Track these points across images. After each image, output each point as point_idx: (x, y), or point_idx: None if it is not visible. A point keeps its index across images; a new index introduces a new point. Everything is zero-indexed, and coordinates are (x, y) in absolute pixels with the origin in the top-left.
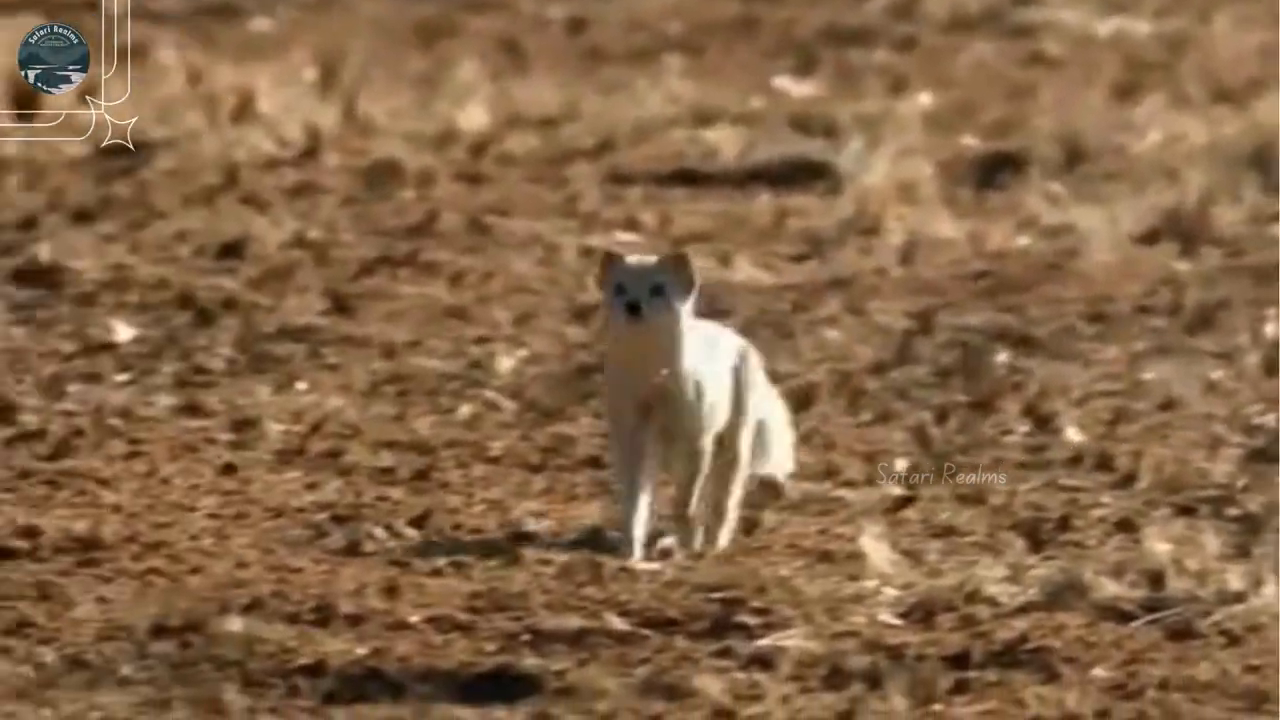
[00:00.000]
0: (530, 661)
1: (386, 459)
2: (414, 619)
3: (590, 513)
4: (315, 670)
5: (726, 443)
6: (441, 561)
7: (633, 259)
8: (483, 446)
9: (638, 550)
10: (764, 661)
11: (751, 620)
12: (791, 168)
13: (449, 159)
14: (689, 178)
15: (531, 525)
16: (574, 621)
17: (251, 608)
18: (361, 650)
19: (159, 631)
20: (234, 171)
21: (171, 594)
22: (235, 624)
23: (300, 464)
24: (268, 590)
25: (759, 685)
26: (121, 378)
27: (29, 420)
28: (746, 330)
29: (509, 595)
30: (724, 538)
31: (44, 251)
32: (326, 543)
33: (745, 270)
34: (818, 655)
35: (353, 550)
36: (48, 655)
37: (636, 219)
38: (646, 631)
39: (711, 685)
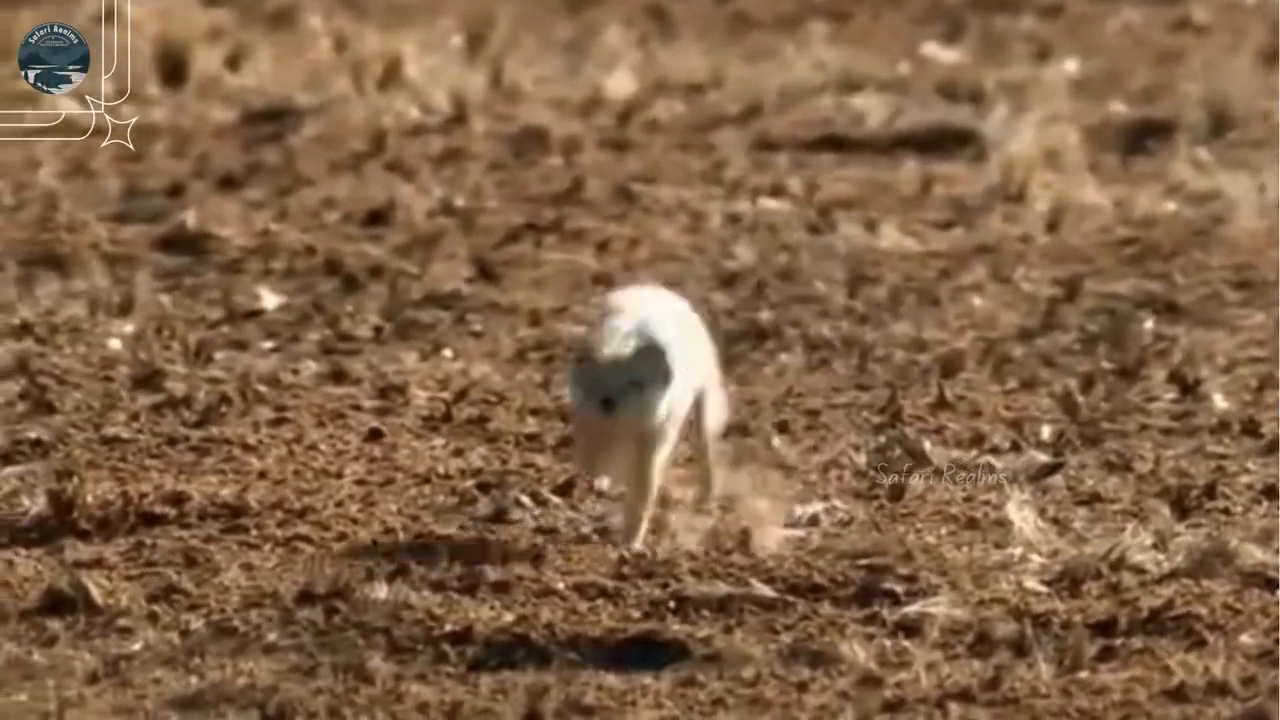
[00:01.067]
0: (676, 628)
1: (532, 425)
2: (560, 585)
3: (737, 480)
4: (462, 637)
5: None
6: (587, 528)
7: (605, 353)
8: None
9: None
10: (910, 629)
11: (898, 587)
12: (938, 134)
13: (595, 126)
14: (835, 144)
15: (675, 493)
16: (720, 588)
17: (398, 574)
18: (508, 617)
19: (305, 598)
20: (381, 138)
21: (318, 560)
22: (381, 590)
23: (446, 431)
24: (414, 557)
25: (905, 652)
26: (268, 345)
27: (176, 387)
28: (893, 297)
29: (655, 562)
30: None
31: (191, 219)
32: (473, 509)
33: (891, 237)
34: (964, 622)
35: (499, 517)
36: (195, 622)
37: (783, 185)
38: (792, 598)
39: (858, 652)
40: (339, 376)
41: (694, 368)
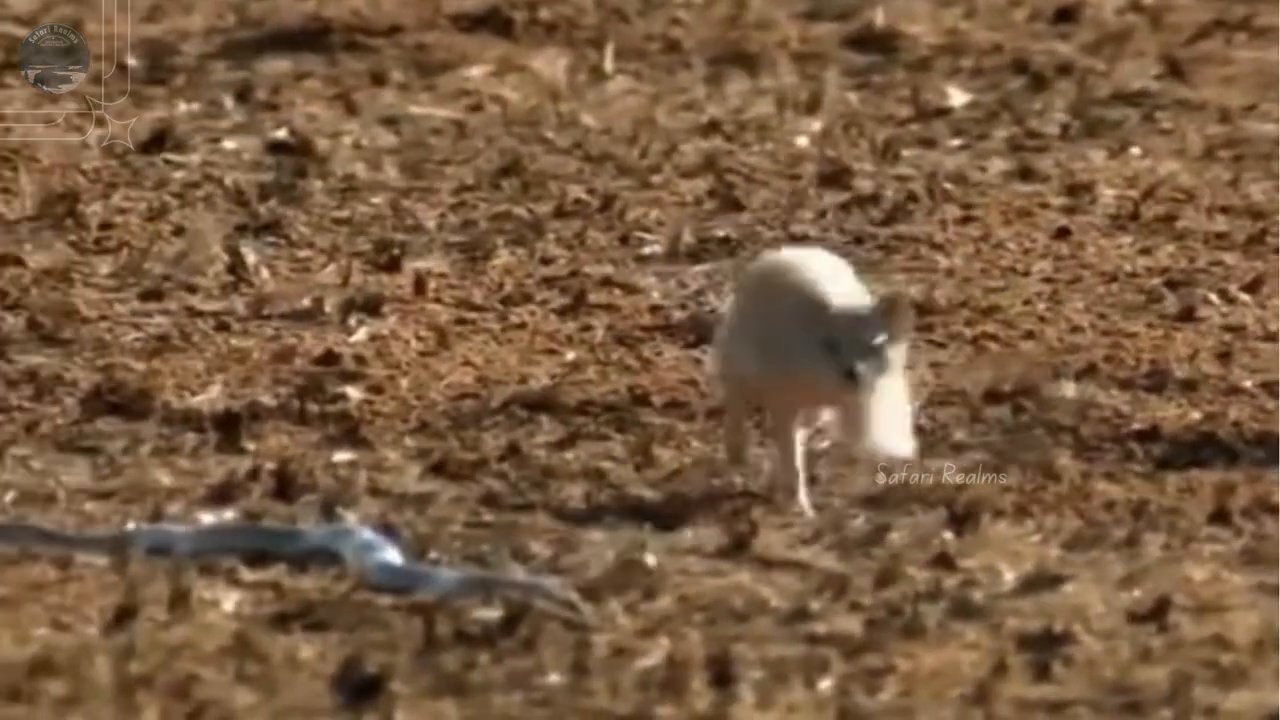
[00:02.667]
0: None
1: (1221, 223)
2: (1247, 384)
3: None
4: (1149, 435)
5: None
6: (1273, 326)
7: (846, 305)
8: None
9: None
10: None
11: None
12: None
13: None
14: None
15: None
16: None
17: (1085, 373)
18: (1195, 415)
19: (992, 396)
20: None
21: (1005, 359)
22: (1069, 389)
23: (1134, 229)
24: (1101, 355)
25: None
26: (955, 142)
27: (863, 185)
28: None
29: None
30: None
31: (880, 17)
32: (1160, 308)
33: None
34: None
35: (1187, 315)
36: None
37: None
38: None
39: None
40: (1026, 174)
41: None
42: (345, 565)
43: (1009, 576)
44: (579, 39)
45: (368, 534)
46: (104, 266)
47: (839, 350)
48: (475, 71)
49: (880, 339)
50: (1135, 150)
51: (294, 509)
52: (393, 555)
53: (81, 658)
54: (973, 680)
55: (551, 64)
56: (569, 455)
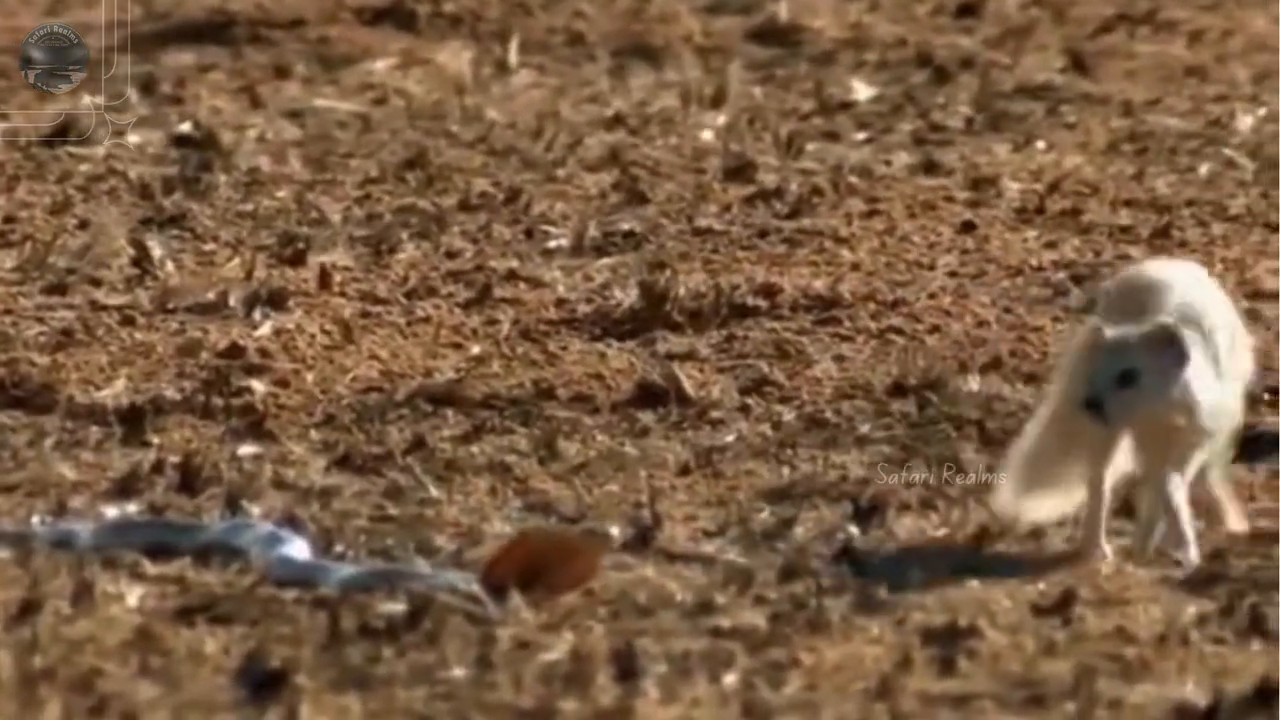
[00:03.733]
0: None
1: (1125, 217)
2: None
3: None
4: None
5: None
6: None
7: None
8: (1222, 205)
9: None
10: None
11: None
12: None
13: None
14: None
15: (1268, 285)
16: None
17: (990, 367)
18: None
19: (898, 390)
20: None
21: (910, 352)
22: (974, 383)
23: (1039, 223)
24: (1006, 349)
25: None
26: (860, 136)
27: (768, 179)
28: None
29: None
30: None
31: (783, 10)
32: (1065, 301)
33: None
34: None
35: (1091, 309)
36: (787, 414)
37: None
38: None
39: None
40: (931, 168)
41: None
42: (249, 559)
43: (914, 571)
44: (483, 32)
45: (271, 528)
46: (7, 260)
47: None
48: (379, 65)
49: (1133, 368)
50: (1040, 144)
51: (198, 502)
52: (298, 549)
53: None
54: (877, 674)
55: (455, 57)
56: (474, 449)
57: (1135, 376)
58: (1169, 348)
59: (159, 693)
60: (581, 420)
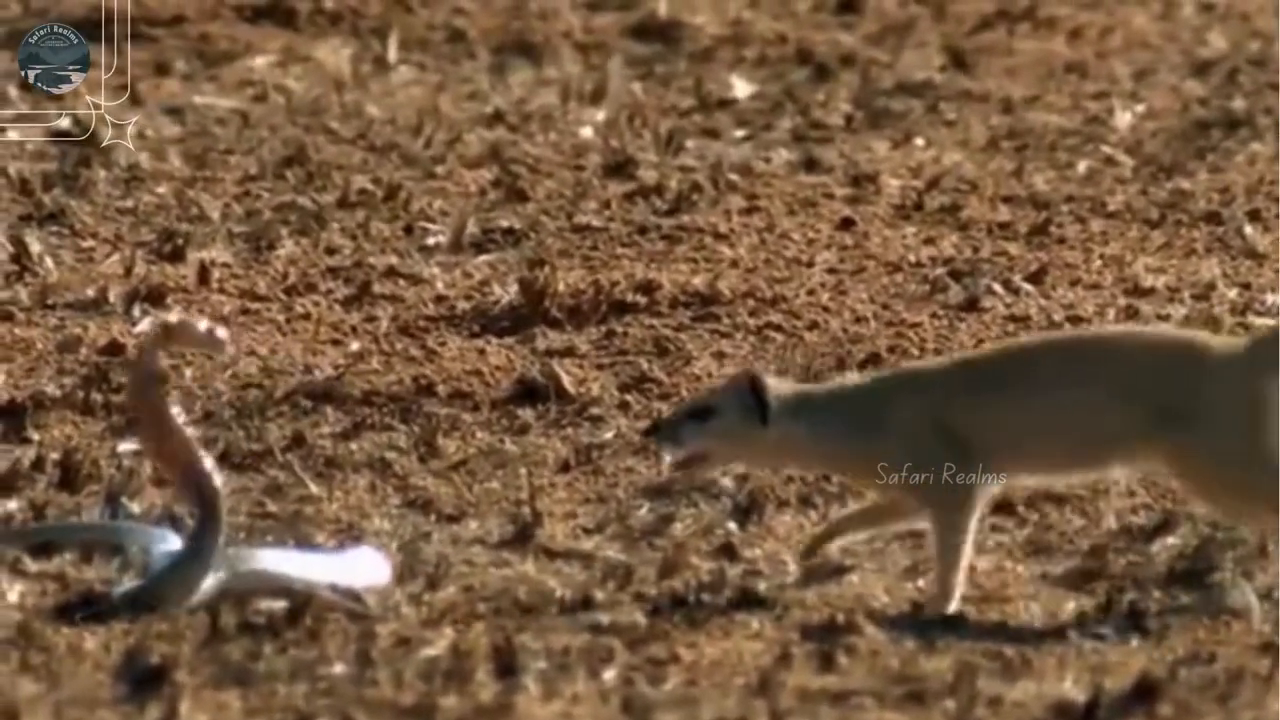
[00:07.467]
0: None
1: (1004, 213)
2: None
3: (1208, 267)
4: None
5: None
6: (1059, 316)
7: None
8: (1101, 202)
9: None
10: None
11: None
12: None
13: None
14: None
15: (1148, 282)
16: None
17: (869, 363)
18: None
19: None
20: None
21: (789, 349)
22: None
23: (918, 219)
24: (885, 345)
25: None
26: (740, 133)
27: (648, 175)
28: None
29: None
30: None
31: (662, 7)
32: (944, 298)
33: None
34: None
35: (970, 305)
36: (666, 411)
37: None
38: None
39: None
40: (810, 165)
41: None
42: (128, 556)
43: (793, 567)
44: (363, 29)
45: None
46: None
47: None
48: (259, 61)
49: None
50: (919, 141)
51: (78, 499)
52: (176, 546)
53: None
54: (756, 670)
55: (335, 54)
56: (353, 445)
57: None
58: None
59: (39, 689)
60: (461, 417)
